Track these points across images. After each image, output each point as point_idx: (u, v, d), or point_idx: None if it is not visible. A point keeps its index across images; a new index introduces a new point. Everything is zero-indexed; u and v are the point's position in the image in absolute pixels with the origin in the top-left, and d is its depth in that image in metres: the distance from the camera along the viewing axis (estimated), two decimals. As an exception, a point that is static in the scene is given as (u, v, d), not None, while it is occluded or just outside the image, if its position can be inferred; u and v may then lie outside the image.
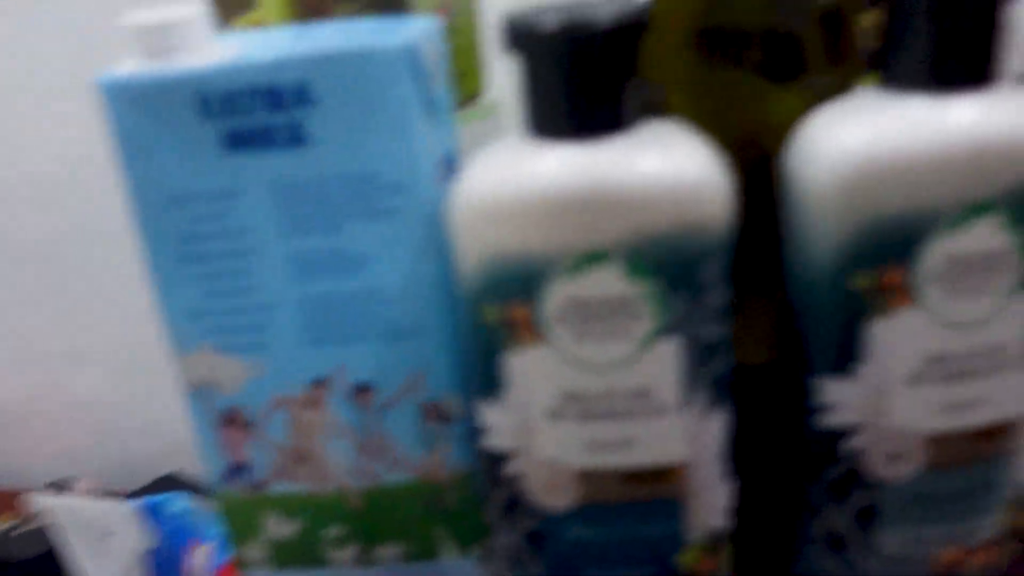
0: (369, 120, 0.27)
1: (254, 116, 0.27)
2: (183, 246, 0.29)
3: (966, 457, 0.28)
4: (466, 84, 0.38)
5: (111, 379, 0.97)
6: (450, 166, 0.31)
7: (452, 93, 0.32)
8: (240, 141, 0.27)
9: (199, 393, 0.31)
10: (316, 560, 0.33)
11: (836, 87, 0.29)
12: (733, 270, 0.26)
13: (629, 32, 0.24)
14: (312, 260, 0.29)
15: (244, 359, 0.30)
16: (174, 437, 0.95)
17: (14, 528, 0.82)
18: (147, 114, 0.27)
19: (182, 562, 0.76)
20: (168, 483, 0.89)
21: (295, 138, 0.27)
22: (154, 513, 0.77)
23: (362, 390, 0.31)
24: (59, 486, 0.88)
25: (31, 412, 1.00)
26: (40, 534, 0.73)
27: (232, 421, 0.31)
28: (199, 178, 0.28)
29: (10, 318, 0.96)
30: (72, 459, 0.99)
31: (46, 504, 0.71)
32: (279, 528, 0.33)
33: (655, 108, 0.31)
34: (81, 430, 1.00)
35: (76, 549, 0.68)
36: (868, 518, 0.29)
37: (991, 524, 0.29)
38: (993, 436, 0.28)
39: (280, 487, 0.32)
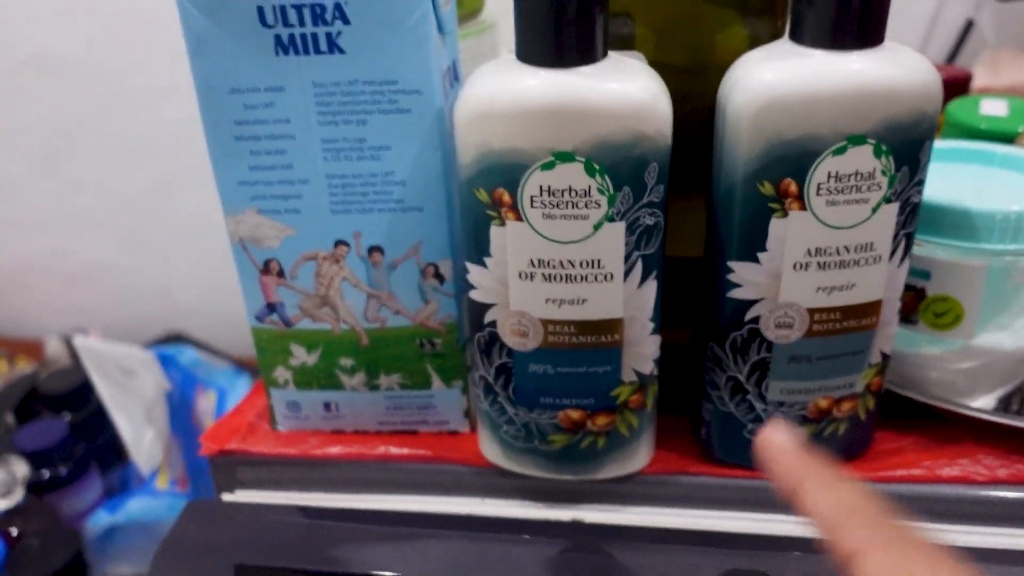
0: (393, 36, 0.34)
1: (302, 27, 0.34)
2: (237, 128, 0.36)
3: (838, 329, 0.36)
4: (468, 3, 0.44)
5: (121, 245, 1.03)
6: (453, 74, 0.38)
7: (456, 12, 0.38)
8: (289, 47, 0.34)
9: (244, 246, 0.39)
10: (332, 384, 0.42)
11: (767, 34, 0.37)
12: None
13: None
14: (341, 146, 0.36)
15: (281, 221, 0.38)
16: (179, 300, 1.03)
17: (43, 367, 0.90)
18: (215, 20, 0.34)
19: (192, 406, 0.84)
20: (174, 339, 0.97)
21: (333, 47, 0.34)
22: (167, 361, 0.85)
23: (374, 251, 0.38)
24: (72, 335, 0.96)
25: (46, 270, 1.06)
26: (69, 372, 0.81)
27: (269, 270, 0.39)
28: (254, 74, 0.35)
29: (27, 186, 1.01)
30: (83, 315, 1.06)
31: (76, 344, 0.78)
32: (302, 357, 0.41)
33: (627, 39, 0.38)
34: (92, 290, 1.06)
35: (102, 387, 0.76)
36: (761, 371, 0.38)
37: (855, 382, 0.38)
38: (859, 314, 0.36)
39: (304, 325, 0.41)
